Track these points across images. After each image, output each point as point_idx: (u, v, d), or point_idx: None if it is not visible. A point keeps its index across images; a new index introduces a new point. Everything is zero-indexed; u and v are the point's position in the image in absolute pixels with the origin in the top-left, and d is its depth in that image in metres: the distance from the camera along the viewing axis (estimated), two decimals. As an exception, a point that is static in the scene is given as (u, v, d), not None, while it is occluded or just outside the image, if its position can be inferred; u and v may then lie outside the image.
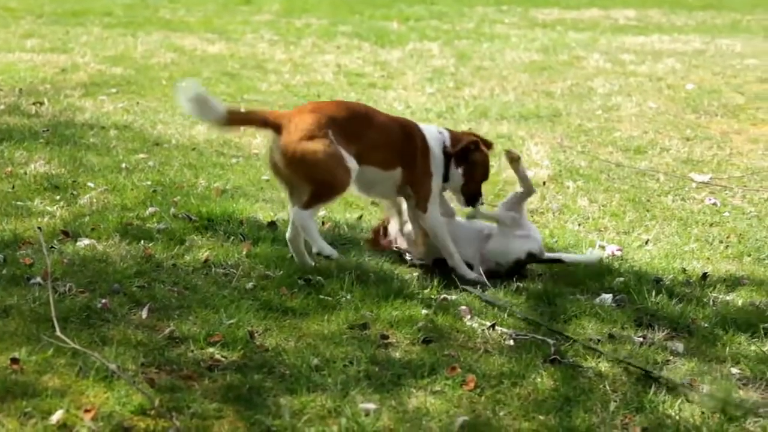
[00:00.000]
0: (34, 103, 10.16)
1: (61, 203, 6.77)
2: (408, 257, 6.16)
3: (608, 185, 8.16)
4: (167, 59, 13.52)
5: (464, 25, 17.84)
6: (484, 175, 6.13)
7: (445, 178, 5.99)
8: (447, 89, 12.18)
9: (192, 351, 4.70)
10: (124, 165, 7.84)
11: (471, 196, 6.08)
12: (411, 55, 14.63)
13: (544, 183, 8.02)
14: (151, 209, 6.70)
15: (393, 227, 6.21)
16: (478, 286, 5.80)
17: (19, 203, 6.72)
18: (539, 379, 4.65)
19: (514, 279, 5.91)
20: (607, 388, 4.61)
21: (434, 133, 6.01)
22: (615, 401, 4.48)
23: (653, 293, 5.73)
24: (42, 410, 4.08)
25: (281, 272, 5.77)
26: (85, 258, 5.81)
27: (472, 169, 6.00)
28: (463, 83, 12.59)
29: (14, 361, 4.42)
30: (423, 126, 6.04)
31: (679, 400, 4.52)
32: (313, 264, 5.85)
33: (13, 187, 7.07)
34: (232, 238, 6.29)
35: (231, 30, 16.52)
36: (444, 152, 5.94)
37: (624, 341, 5.14)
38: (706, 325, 5.42)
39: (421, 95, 11.73)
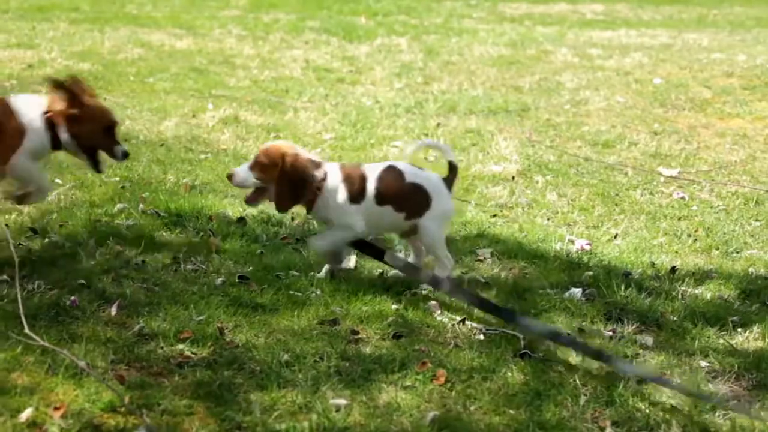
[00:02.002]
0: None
1: (29, 200, 6.73)
2: None
3: (577, 179, 8.19)
4: (135, 55, 13.46)
5: (432, 20, 17.86)
6: None
7: None
8: (415, 84, 12.19)
9: (162, 348, 4.69)
10: (92, 161, 7.79)
11: None
12: (379, 50, 14.63)
13: (513, 177, 8.04)
14: (119, 205, 6.67)
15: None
16: None
17: (-14, 200, 6.68)
18: (510, 374, 4.66)
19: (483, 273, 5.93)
20: (578, 381, 4.63)
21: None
22: (585, 395, 4.50)
23: (622, 287, 5.75)
24: (11, 408, 4.06)
25: (251, 267, 5.76)
26: (53, 255, 5.78)
27: None
28: (432, 78, 12.60)
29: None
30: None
31: (649, 393, 4.54)
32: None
33: (-20, 184, 7.02)
34: (202, 234, 6.28)
35: (198, 25, 16.47)
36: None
37: (593, 335, 5.16)
38: (675, 318, 5.45)
39: (389, 90, 11.73)
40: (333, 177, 5.53)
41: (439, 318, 5.24)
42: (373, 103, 10.87)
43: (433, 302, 5.38)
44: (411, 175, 5.61)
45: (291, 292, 5.43)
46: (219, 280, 5.53)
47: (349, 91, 11.59)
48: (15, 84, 10.98)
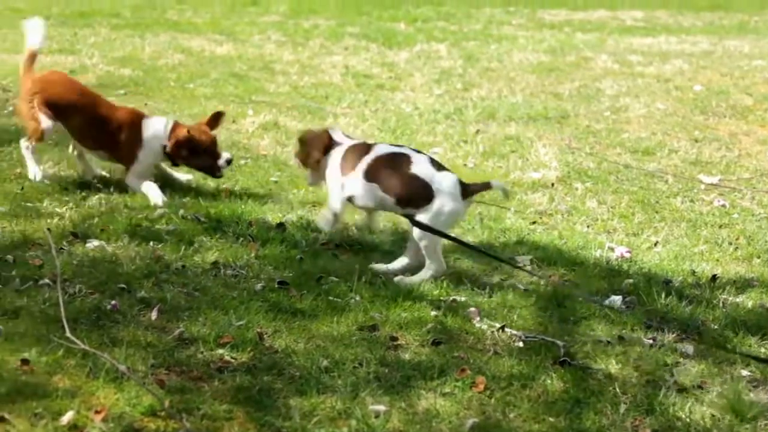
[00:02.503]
0: (42, 105, 10.16)
1: (70, 204, 6.77)
2: None
3: (617, 187, 8.16)
4: (175, 60, 13.52)
5: (472, 27, 17.82)
6: None
7: None
8: (455, 90, 12.18)
9: (202, 352, 4.71)
10: (132, 166, 7.84)
11: None
12: (419, 57, 14.62)
13: (552, 184, 8.02)
14: (160, 210, 6.70)
15: None
16: None
17: (28, 204, 6.72)
18: (549, 381, 4.65)
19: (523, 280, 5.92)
20: (617, 389, 4.61)
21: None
22: (625, 403, 4.49)
23: (663, 295, 5.73)
24: (53, 411, 4.09)
25: (290, 273, 5.78)
26: (94, 259, 5.81)
27: None
28: (471, 84, 12.58)
29: (24, 362, 4.43)
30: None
31: (690, 402, 4.52)
32: None
33: (22, 189, 7.07)
34: (241, 239, 6.29)
35: (239, 31, 16.51)
36: None
37: (634, 343, 5.14)
38: (715, 327, 5.42)
39: (428, 96, 11.72)
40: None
41: (478, 325, 5.23)
42: (412, 110, 10.87)
43: (473, 309, 5.37)
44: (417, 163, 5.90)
45: (330, 297, 5.44)
46: (259, 286, 5.55)
47: (388, 98, 11.59)
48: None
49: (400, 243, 6.45)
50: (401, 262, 6.01)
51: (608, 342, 5.12)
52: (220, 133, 8.97)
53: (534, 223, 7.11)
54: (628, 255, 6.45)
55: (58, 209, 6.65)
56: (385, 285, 5.67)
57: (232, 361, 4.65)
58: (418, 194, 5.76)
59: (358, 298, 5.45)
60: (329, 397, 4.37)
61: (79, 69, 12.38)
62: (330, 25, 17.49)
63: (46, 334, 4.76)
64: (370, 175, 5.90)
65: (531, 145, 9.38)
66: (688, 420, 4.38)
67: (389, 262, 6.05)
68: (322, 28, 17.14)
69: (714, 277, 6.12)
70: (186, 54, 14.07)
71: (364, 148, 6.02)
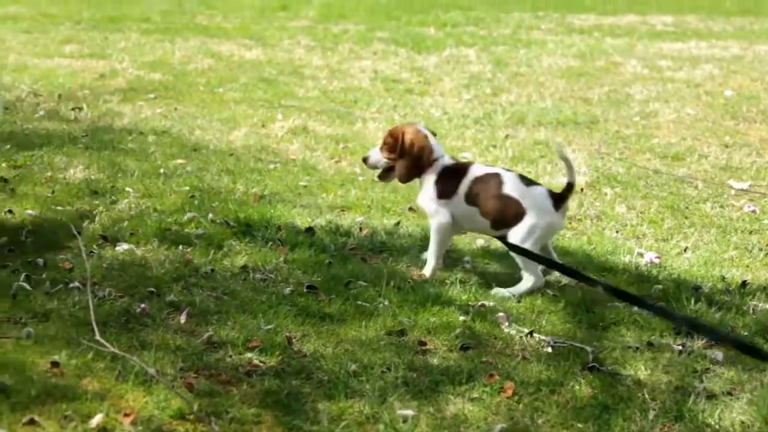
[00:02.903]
0: (73, 109, 10.24)
1: (100, 208, 6.81)
2: None
3: (646, 192, 8.12)
4: (205, 65, 13.58)
5: (501, 31, 17.82)
6: None
7: None
8: (484, 95, 12.17)
9: (230, 356, 4.72)
10: (162, 170, 7.88)
11: None
12: (448, 61, 14.62)
13: (581, 190, 7.99)
14: (189, 214, 6.72)
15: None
16: None
17: (58, 208, 6.77)
18: (577, 387, 4.64)
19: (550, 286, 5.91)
20: (646, 396, 4.59)
21: None
22: (654, 409, 4.46)
23: (692, 301, 5.70)
24: (82, 413, 4.10)
25: (319, 277, 5.79)
26: (123, 263, 5.84)
27: None
28: (501, 89, 12.57)
29: (54, 364, 4.46)
30: None
31: (719, 409, 4.50)
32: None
33: (53, 192, 7.12)
34: (270, 243, 6.31)
35: (268, 36, 16.56)
36: None
37: (663, 349, 5.11)
38: (745, 333, 5.39)
39: (458, 101, 11.72)
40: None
41: (506, 330, 5.23)
42: (441, 114, 10.87)
43: (501, 314, 5.36)
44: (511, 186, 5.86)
45: (359, 302, 5.44)
46: (287, 290, 5.56)
47: (417, 102, 11.59)
48: (87, 94, 11.13)
49: (426, 247, 6.44)
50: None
51: (637, 348, 5.10)
52: (250, 138, 9.01)
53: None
54: (657, 261, 6.43)
55: (95, 212, 6.69)
56: (414, 290, 5.67)
57: (261, 365, 4.66)
58: (511, 214, 5.76)
59: (386, 302, 5.46)
60: (357, 402, 4.37)
61: (109, 73, 12.47)
62: (359, 29, 17.53)
63: (75, 337, 4.78)
64: (471, 198, 5.86)
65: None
66: (717, 427, 4.36)
67: (418, 266, 6.06)
68: (351, 32, 17.17)
69: (744, 283, 6.09)
70: (215, 59, 14.14)
71: (461, 169, 5.97)
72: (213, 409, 4.20)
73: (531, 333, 5.16)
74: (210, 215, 6.69)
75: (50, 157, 8.06)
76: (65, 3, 20.54)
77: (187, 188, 7.38)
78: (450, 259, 6.25)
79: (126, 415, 4.09)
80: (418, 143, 5.93)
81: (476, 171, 5.92)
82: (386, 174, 6.16)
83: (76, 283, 5.41)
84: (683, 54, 16.21)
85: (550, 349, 5.04)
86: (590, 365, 4.83)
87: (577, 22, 19.64)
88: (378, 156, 6.11)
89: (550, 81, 13.25)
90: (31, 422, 4.02)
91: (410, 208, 7.20)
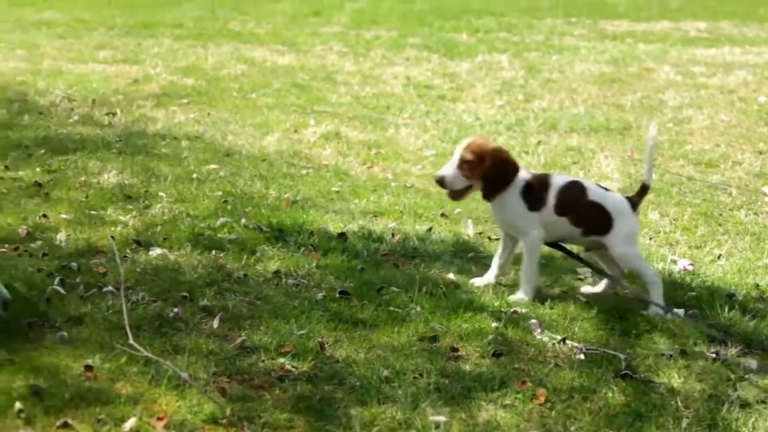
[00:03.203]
0: (106, 114, 10.29)
1: (134, 213, 6.85)
2: None
3: (680, 199, 8.09)
4: (237, 71, 13.62)
5: (533, 37, 17.79)
6: None
7: None
8: (516, 101, 12.15)
9: (263, 361, 4.73)
10: (195, 175, 7.91)
11: None
12: (480, 67, 14.61)
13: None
14: (222, 219, 6.74)
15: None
16: None
17: (92, 213, 6.80)
18: (610, 394, 4.62)
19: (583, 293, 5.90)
20: (680, 404, 4.57)
21: None
22: (687, 418, 4.44)
23: (726, 309, 5.67)
24: (115, 417, 4.12)
25: (351, 283, 5.79)
26: (157, 267, 5.86)
27: None
28: (533, 95, 12.55)
29: (88, 368, 4.48)
30: None
31: (753, 418, 4.47)
32: None
33: (87, 197, 7.16)
34: (303, 248, 6.32)
35: (300, 42, 16.60)
36: None
37: (696, 357, 5.09)
38: (780, 341, 5.36)
39: (490, 108, 11.71)
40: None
41: (539, 337, 5.21)
42: (473, 120, 10.87)
43: (534, 320, 5.35)
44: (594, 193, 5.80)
45: (391, 308, 5.44)
46: (320, 295, 5.57)
47: (449, 108, 11.59)
48: (121, 99, 11.18)
49: (460, 253, 6.45)
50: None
51: (671, 356, 5.08)
52: (283, 144, 9.03)
53: (596, 234, 7.07)
54: (690, 268, 6.40)
55: (121, 217, 6.72)
56: (446, 296, 5.66)
57: (293, 370, 4.66)
58: (600, 221, 5.73)
59: (418, 308, 5.45)
60: (389, 408, 4.37)
61: (142, 79, 12.53)
62: (391, 35, 17.54)
63: (109, 341, 4.81)
64: (560, 208, 5.74)
65: (593, 157, 9.34)
66: (751, 435, 4.34)
67: (452, 271, 6.06)
68: (383, 38, 17.18)
69: (778, 291, 6.07)
70: (248, 64, 14.18)
71: (543, 180, 5.83)
72: (245, 414, 4.20)
73: (564, 340, 5.14)
74: (243, 220, 6.71)
75: (84, 162, 8.10)
76: (99, 9, 20.66)
77: (220, 193, 7.40)
78: (483, 265, 6.24)
79: (159, 419, 4.10)
80: (506, 161, 5.73)
81: (559, 181, 5.81)
82: (461, 193, 5.80)
83: (110, 287, 5.44)
84: (717, 60, 16.14)
85: (582, 356, 5.02)
86: (623, 372, 4.81)
87: (610, 28, 19.58)
88: (456, 175, 5.69)
89: (583, 87, 13.22)
90: (65, 425, 4.04)
91: (442, 214, 7.19)
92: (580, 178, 6.01)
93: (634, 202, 5.82)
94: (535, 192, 5.73)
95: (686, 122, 11.16)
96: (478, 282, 5.93)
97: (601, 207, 5.72)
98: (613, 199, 5.80)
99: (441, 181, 5.73)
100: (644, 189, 5.86)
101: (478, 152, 5.64)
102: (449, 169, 5.69)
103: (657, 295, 5.71)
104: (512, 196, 5.72)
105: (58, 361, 4.57)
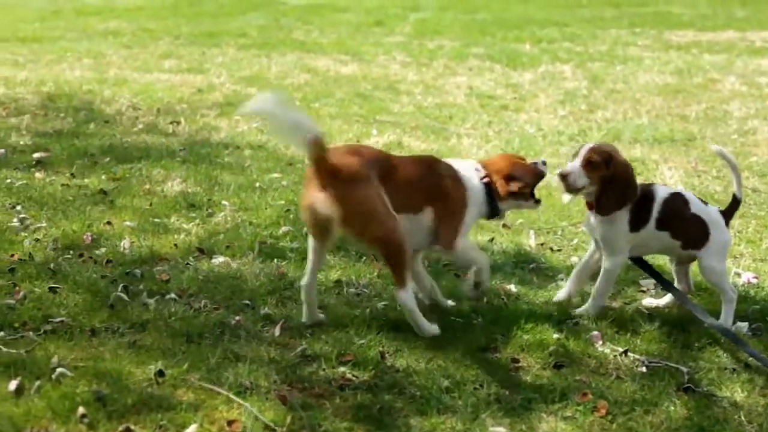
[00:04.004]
0: (171, 123, 10.37)
1: (197, 221, 6.90)
2: None
3: (744, 211, 7.99)
4: (301, 80, 13.67)
5: (597, 48, 17.69)
6: None
7: None
8: (579, 112, 12.09)
9: (324, 369, 4.75)
10: (258, 184, 7.95)
11: None
12: (543, 78, 14.56)
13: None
14: (284, 228, 6.78)
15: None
16: None
17: (156, 220, 6.87)
18: (672, 408, 4.59)
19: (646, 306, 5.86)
20: (743, 418, 4.53)
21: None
22: (751, 432, 4.41)
23: (790, 323, 5.62)
24: (176, 423, 4.17)
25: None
26: (219, 275, 5.91)
27: None
28: (596, 106, 12.47)
29: (161, 373, 4.53)
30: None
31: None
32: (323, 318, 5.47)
33: (151, 204, 7.22)
34: (364, 258, 6.33)
35: (363, 51, 16.63)
36: None
37: (760, 371, 5.03)
38: None
39: (553, 118, 11.66)
40: None
41: (600, 348, 5.18)
42: (536, 131, 10.82)
43: (595, 332, 5.32)
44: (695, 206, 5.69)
45: (452, 318, 5.44)
46: (381, 304, 5.58)
47: (512, 118, 11.55)
48: (185, 108, 11.26)
49: (521, 264, 6.43)
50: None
51: (734, 369, 5.03)
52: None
53: (659, 246, 7.02)
54: (755, 281, 6.33)
55: (185, 225, 6.78)
56: (507, 307, 5.65)
57: (354, 379, 4.68)
58: (700, 233, 5.65)
59: (479, 319, 5.45)
60: (449, 418, 4.37)
61: (206, 88, 12.62)
62: (454, 45, 17.52)
63: (171, 347, 4.86)
64: (662, 223, 5.61)
65: (656, 168, 9.27)
66: (816, 451, 4.29)
67: (513, 282, 6.04)
68: (446, 48, 17.17)
69: (844, 305, 5.99)
70: (312, 73, 14.23)
71: (648, 194, 5.65)
72: (306, 422, 4.22)
73: (625, 352, 5.11)
74: (305, 229, 6.72)
75: (148, 170, 8.18)
76: (164, 18, 20.84)
77: (283, 202, 7.44)
78: (544, 276, 6.22)
79: (222, 426, 4.13)
80: (630, 169, 5.57)
81: (662, 193, 5.68)
82: (578, 191, 5.53)
83: (173, 294, 5.49)
84: (784, 71, 15.95)
85: (644, 369, 4.99)
86: (685, 386, 4.78)
87: (674, 38, 19.42)
88: (579, 173, 5.46)
89: (647, 98, 13.12)
90: (127, 431, 4.09)
91: (504, 225, 7.17)
92: (681, 189, 5.88)
93: (728, 216, 5.75)
94: (641, 209, 5.58)
95: (751, 133, 11.04)
96: (560, 295, 5.87)
97: (702, 221, 5.63)
98: (711, 213, 5.69)
99: (565, 177, 5.46)
100: (736, 203, 5.80)
101: (604, 154, 5.45)
102: (574, 166, 5.48)
103: (728, 313, 5.61)
104: (622, 216, 5.55)
105: (120, 367, 4.63)
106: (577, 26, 20.63)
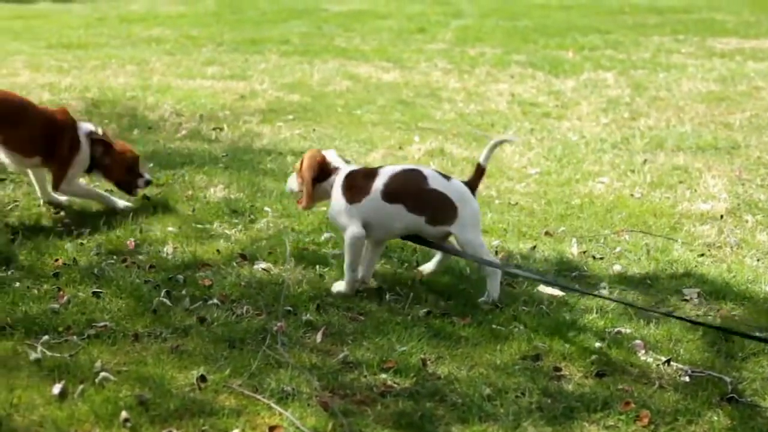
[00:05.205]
0: (214, 129, 10.42)
1: (239, 227, 6.93)
2: None
3: (787, 222, 7.94)
4: (343, 87, 13.70)
5: (640, 55, 17.61)
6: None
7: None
8: (622, 119, 12.04)
9: (365, 376, 4.75)
10: (300, 191, 7.97)
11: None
12: (585, 85, 14.52)
13: (721, 216, 7.85)
14: (326, 235, 6.80)
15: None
16: None
17: (198, 226, 6.90)
18: (716, 418, 4.56)
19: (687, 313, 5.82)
20: (788, 428, 4.50)
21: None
22: (796, 443, 4.37)
23: (836, 333, 5.57)
24: (218, 429, 4.19)
25: (452, 301, 5.80)
26: (261, 281, 5.93)
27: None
28: (639, 113, 12.42)
29: (203, 379, 4.56)
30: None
31: None
32: None
33: (193, 210, 7.26)
34: (406, 264, 6.34)
35: (405, 58, 16.64)
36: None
37: (805, 382, 5.00)
38: None
39: (595, 125, 11.61)
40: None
41: (643, 357, 5.16)
42: (578, 138, 10.79)
43: (638, 341, 5.30)
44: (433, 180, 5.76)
45: (493, 325, 5.43)
46: (422, 312, 5.58)
47: (554, 126, 11.53)
48: (228, 114, 11.32)
49: (564, 272, 6.41)
50: None
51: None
52: (387, 160, 9.06)
53: (702, 255, 6.97)
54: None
55: (227, 231, 6.81)
56: (549, 315, 5.64)
57: (395, 386, 4.68)
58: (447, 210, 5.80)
59: (521, 327, 5.44)
60: (491, 426, 4.36)
61: (249, 94, 12.67)
62: (496, 53, 17.50)
63: (213, 353, 4.88)
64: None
65: (700, 176, 9.22)
66: None
67: (555, 290, 6.03)
68: (488, 56, 17.16)
69: None
70: (353, 80, 14.25)
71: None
72: (348, 429, 4.23)
73: (668, 361, 5.08)
74: (346, 236, 6.75)
75: (191, 176, 8.21)
76: (207, 26, 20.95)
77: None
78: (586, 284, 6.21)
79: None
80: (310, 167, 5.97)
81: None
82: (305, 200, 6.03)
83: (215, 300, 5.52)
84: (829, 79, 15.82)
85: (687, 378, 4.96)
86: (729, 396, 4.74)
87: (718, 45, 19.30)
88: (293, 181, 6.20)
89: (690, 105, 13.05)
90: (170, 436, 4.12)
91: (546, 233, 7.16)
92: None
93: (472, 186, 5.86)
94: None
95: (796, 142, 10.95)
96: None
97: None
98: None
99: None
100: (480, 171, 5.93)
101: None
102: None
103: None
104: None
105: (163, 372, 4.65)
106: (619, 33, 20.55)
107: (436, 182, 5.72)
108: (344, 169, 5.84)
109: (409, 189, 5.68)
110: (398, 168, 5.80)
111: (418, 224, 5.74)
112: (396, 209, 5.68)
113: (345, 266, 5.77)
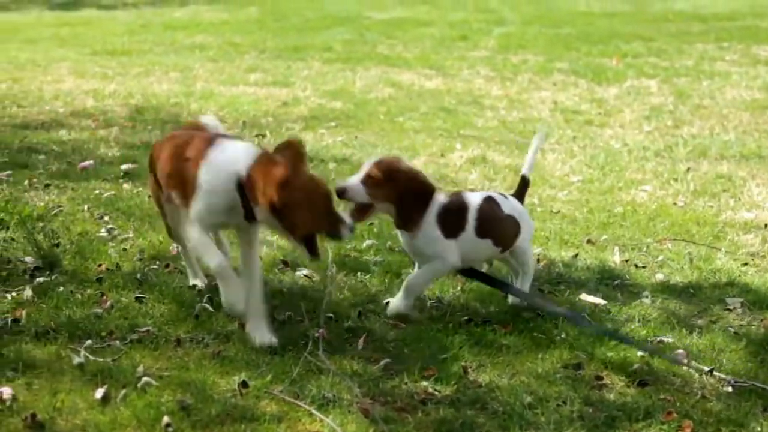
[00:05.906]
0: (256, 135, 10.46)
1: (281, 233, 6.94)
2: None
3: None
4: (385, 94, 13.71)
5: (683, 63, 17.52)
6: None
7: None
8: (665, 127, 11.98)
9: (406, 383, 4.75)
10: (342, 197, 7.97)
11: None
12: (628, 93, 14.45)
13: (765, 225, 7.79)
14: (368, 242, 6.81)
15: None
16: None
17: (241, 232, 6.92)
18: (759, 428, 4.52)
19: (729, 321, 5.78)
20: (832, 440, 4.46)
21: None
22: (840, 455, 4.33)
23: None
24: (260, 435, 4.21)
25: (493, 309, 5.79)
26: (303, 288, 5.94)
27: None
28: (682, 121, 12.35)
29: (244, 384, 4.58)
30: None
31: None
32: None
33: (236, 217, 7.28)
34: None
35: (448, 66, 16.64)
36: None
37: None
38: None
39: (638, 133, 11.56)
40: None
41: (685, 367, 5.13)
42: (621, 146, 10.74)
43: (680, 351, 5.27)
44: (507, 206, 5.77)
45: (535, 334, 5.42)
46: (463, 319, 5.57)
47: (597, 134, 11.48)
48: (270, 121, 11.36)
49: (606, 280, 6.38)
50: None
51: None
52: (429, 167, 9.05)
53: (746, 264, 6.92)
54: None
55: (270, 237, 6.82)
56: (590, 323, 5.61)
57: (436, 393, 4.68)
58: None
59: (563, 335, 5.42)
60: (532, 434, 4.36)
61: (291, 101, 12.71)
62: (538, 60, 17.46)
63: (255, 359, 4.90)
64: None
65: (744, 185, 9.15)
66: None
67: (597, 298, 6.01)
68: (530, 63, 17.12)
69: None
70: (396, 88, 14.27)
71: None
72: (388, 436, 4.24)
73: (711, 371, 5.05)
74: (389, 243, 6.76)
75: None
76: (250, 33, 21.04)
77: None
78: (629, 293, 6.18)
79: (303, 438, 4.17)
80: (417, 175, 5.58)
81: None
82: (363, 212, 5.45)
83: (259, 307, 5.54)
84: None
85: (730, 389, 4.92)
86: (773, 406, 4.71)
87: (762, 53, 19.16)
88: (358, 190, 5.35)
89: (734, 113, 12.96)
90: (212, 441, 4.14)
91: (588, 241, 7.13)
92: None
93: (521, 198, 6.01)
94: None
95: (842, 151, 10.85)
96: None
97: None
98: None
99: (343, 192, 5.32)
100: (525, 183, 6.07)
101: (385, 171, 5.33)
102: (353, 181, 5.37)
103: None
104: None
105: (205, 378, 4.68)
106: (663, 41, 20.44)
107: (507, 207, 5.76)
108: (437, 201, 5.56)
109: (494, 223, 5.67)
110: (480, 199, 5.71)
111: (495, 253, 5.80)
112: (485, 243, 5.67)
113: (412, 287, 5.59)
